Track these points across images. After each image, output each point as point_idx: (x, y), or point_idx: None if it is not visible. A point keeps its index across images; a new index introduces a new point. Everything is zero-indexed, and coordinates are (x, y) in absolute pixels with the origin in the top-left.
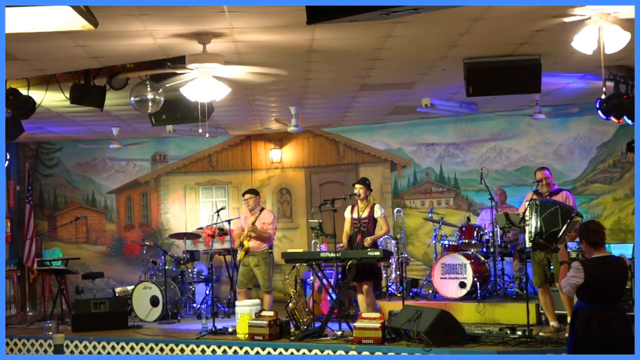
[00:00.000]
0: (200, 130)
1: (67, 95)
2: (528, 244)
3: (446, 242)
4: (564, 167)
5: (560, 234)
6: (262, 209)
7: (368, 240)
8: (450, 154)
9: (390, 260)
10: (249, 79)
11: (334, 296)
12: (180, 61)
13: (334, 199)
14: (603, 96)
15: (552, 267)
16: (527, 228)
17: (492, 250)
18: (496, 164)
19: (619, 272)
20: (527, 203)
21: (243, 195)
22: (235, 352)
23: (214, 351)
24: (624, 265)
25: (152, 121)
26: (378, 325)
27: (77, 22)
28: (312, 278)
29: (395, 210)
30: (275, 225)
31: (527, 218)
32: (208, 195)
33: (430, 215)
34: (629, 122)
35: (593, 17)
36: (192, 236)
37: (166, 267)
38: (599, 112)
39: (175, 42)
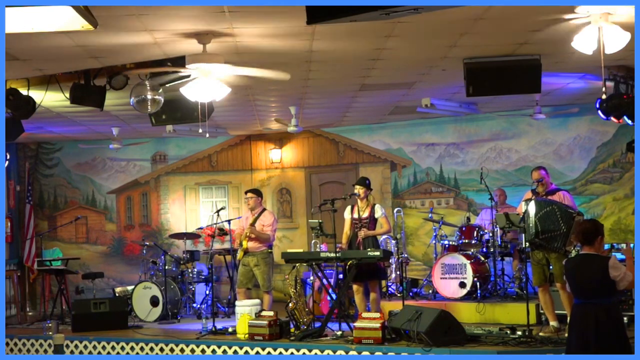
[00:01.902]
0: (200, 130)
1: (67, 95)
2: (524, 244)
3: (446, 242)
4: (564, 167)
5: (568, 237)
6: (264, 209)
7: (362, 233)
8: (450, 154)
9: (390, 260)
10: (249, 79)
11: (334, 296)
12: (180, 61)
13: (334, 199)
14: (603, 96)
15: (551, 267)
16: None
17: (492, 250)
18: (496, 164)
19: (589, 270)
20: (523, 202)
21: (245, 193)
22: (235, 352)
23: (214, 351)
24: (600, 264)
25: (152, 121)
26: (378, 325)
27: (77, 22)
28: (312, 278)
29: (395, 210)
30: (275, 227)
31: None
32: (208, 195)
33: (430, 215)
34: (629, 122)
35: (593, 17)
36: (192, 236)
37: (166, 267)
38: (599, 112)
39: (175, 42)
